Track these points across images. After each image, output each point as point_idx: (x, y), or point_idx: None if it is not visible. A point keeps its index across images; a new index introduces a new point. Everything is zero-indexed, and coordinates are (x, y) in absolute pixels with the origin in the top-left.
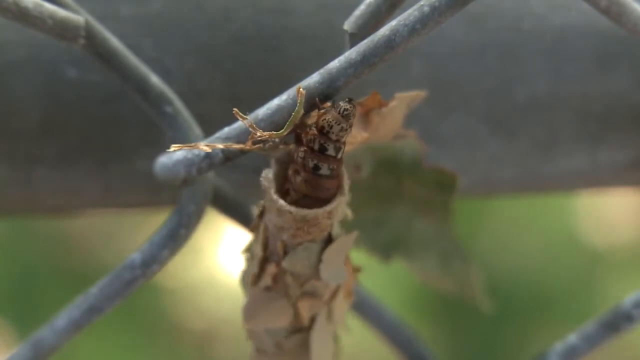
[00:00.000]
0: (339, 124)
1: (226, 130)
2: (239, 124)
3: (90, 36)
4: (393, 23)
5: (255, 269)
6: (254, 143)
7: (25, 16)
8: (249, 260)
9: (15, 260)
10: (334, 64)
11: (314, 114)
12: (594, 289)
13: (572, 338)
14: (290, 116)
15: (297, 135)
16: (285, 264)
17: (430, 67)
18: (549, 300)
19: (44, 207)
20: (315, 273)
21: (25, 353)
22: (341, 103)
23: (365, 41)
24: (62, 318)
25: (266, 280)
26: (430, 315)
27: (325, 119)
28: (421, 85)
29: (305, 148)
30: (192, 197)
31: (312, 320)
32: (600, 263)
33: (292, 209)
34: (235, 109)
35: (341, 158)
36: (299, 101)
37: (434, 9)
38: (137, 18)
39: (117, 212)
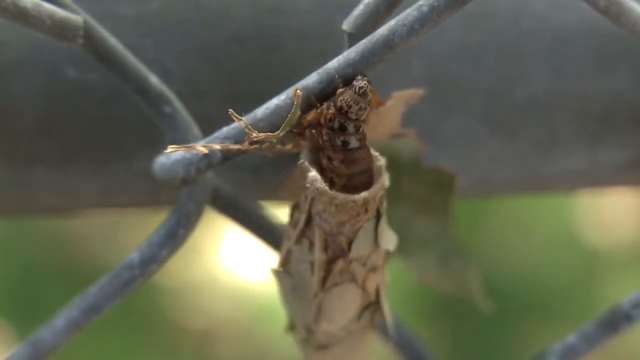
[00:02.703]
0: (357, 104)
1: (225, 130)
2: (237, 124)
3: (89, 36)
4: (392, 23)
5: (321, 274)
6: (252, 143)
7: (24, 16)
8: (303, 270)
9: (15, 260)
10: (333, 63)
11: (313, 113)
12: (593, 289)
13: (571, 338)
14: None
15: (316, 119)
16: (352, 254)
17: (429, 67)
18: (548, 300)
19: (44, 207)
20: (374, 247)
21: (25, 353)
22: (355, 82)
23: (363, 41)
24: (61, 318)
25: (334, 278)
26: (430, 315)
27: (343, 99)
28: (421, 85)
29: (327, 130)
30: (191, 197)
31: (377, 291)
32: (599, 263)
33: (355, 197)
34: (230, 110)
35: (364, 132)
36: (295, 103)
37: (432, 8)
38: (136, 18)
39: (116, 212)
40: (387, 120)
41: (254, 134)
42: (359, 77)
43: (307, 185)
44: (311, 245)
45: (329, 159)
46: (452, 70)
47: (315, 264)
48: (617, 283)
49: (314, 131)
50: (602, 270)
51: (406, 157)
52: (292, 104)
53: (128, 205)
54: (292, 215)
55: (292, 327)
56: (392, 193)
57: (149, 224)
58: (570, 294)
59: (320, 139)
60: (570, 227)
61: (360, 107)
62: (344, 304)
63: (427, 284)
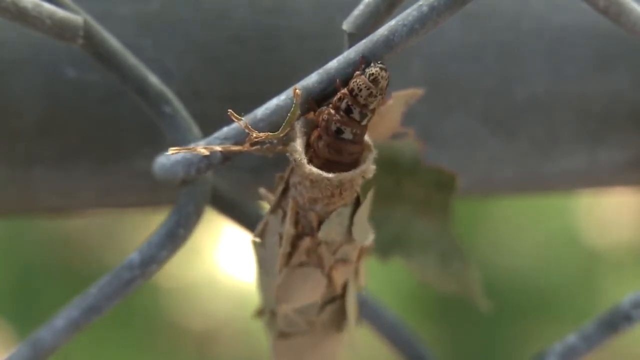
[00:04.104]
0: (368, 89)
1: (225, 130)
2: (237, 124)
3: (89, 36)
4: (392, 23)
5: (287, 248)
6: (252, 144)
7: (24, 16)
8: (274, 243)
9: (15, 260)
10: (333, 63)
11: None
12: (593, 289)
13: (571, 338)
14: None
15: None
16: (320, 234)
17: (429, 67)
18: (548, 300)
19: (43, 207)
20: (347, 238)
21: (25, 353)
22: (367, 69)
23: (364, 41)
24: (61, 318)
25: (300, 256)
26: (430, 315)
27: (356, 82)
28: (420, 85)
29: (331, 110)
30: (191, 197)
31: (344, 286)
32: (599, 263)
33: (330, 175)
34: (230, 110)
35: (366, 125)
36: (294, 102)
37: (432, 8)
38: (136, 18)
39: (116, 212)
40: (387, 120)
41: (254, 134)
42: (374, 64)
43: (287, 154)
44: (284, 216)
45: (319, 137)
46: (452, 70)
47: (283, 237)
48: (617, 283)
49: (322, 107)
50: (602, 270)
51: (406, 157)
52: (292, 104)
53: (128, 205)
54: (277, 184)
55: (261, 310)
56: (392, 193)
57: (149, 224)
58: (570, 294)
59: (320, 118)
60: (570, 227)
61: (371, 92)
62: (306, 287)
63: (428, 284)
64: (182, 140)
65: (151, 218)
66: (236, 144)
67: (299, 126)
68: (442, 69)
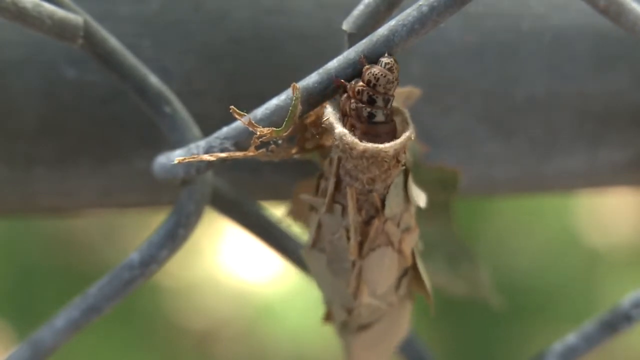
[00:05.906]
0: (385, 76)
1: (225, 130)
2: (237, 124)
3: (89, 36)
4: (392, 23)
5: (358, 237)
6: (257, 148)
7: (24, 16)
8: (338, 239)
9: (15, 260)
10: (333, 63)
11: (313, 112)
12: (593, 289)
13: (571, 338)
14: None
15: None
16: (387, 212)
17: (429, 67)
18: (548, 300)
19: (43, 207)
20: (405, 206)
21: (25, 353)
22: (382, 59)
23: (363, 41)
24: (61, 318)
25: (371, 242)
26: (430, 315)
27: (371, 73)
28: (420, 85)
29: (356, 100)
30: (191, 197)
31: (413, 254)
32: (599, 263)
33: (386, 146)
34: (232, 107)
35: (391, 106)
36: (294, 96)
37: (432, 8)
38: (136, 18)
39: (116, 211)
40: None
41: (258, 131)
42: (386, 55)
43: (336, 142)
44: (344, 210)
45: (352, 127)
46: (452, 70)
47: (350, 229)
48: (617, 283)
49: (344, 96)
50: (602, 270)
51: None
52: (292, 102)
53: (128, 205)
54: (318, 186)
55: (328, 315)
56: None
57: (149, 224)
58: (570, 294)
59: (347, 107)
60: (570, 227)
61: (388, 80)
62: (384, 269)
63: (438, 288)
64: (181, 140)
65: (151, 218)
66: (237, 143)
67: (332, 114)
68: (442, 68)
